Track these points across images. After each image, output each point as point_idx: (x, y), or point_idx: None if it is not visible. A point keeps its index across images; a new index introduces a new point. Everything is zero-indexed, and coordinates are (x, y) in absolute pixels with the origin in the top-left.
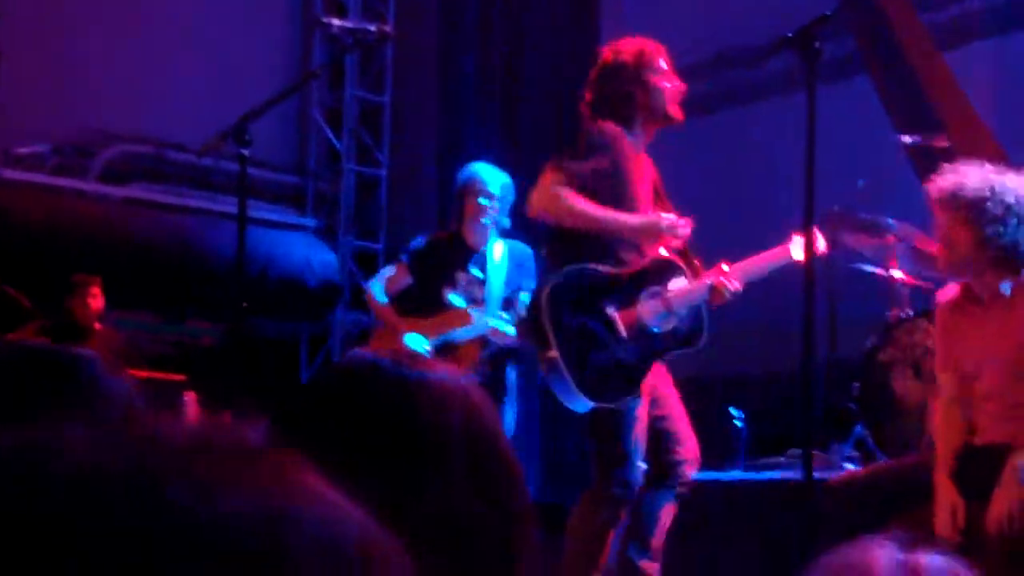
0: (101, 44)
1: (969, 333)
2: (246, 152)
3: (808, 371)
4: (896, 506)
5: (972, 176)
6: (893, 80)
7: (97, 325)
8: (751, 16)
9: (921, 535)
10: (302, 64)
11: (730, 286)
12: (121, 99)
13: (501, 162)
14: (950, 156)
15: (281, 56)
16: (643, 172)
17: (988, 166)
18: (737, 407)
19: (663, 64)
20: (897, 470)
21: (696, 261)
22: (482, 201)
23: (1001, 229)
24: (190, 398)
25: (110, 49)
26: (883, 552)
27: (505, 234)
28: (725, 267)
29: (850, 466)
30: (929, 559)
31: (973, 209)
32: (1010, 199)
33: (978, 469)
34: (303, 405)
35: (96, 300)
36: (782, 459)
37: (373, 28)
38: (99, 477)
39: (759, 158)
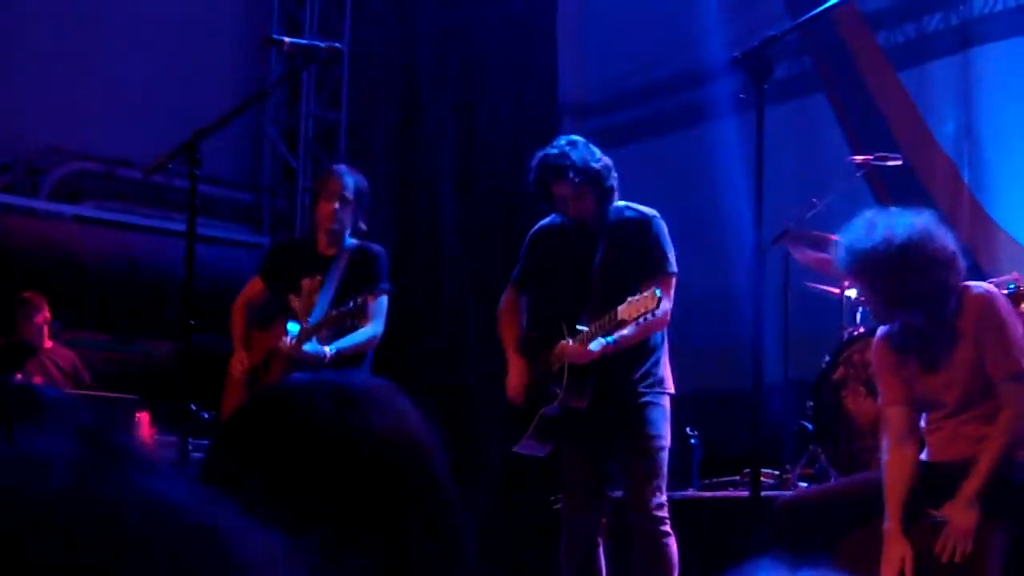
0: (52, 62)
1: (920, 366)
2: (197, 171)
3: (758, 390)
4: (847, 525)
5: (868, 234)
6: (849, 99)
7: (47, 343)
8: (703, 38)
9: (852, 553)
10: (258, 82)
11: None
12: (72, 117)
13: (460, 182)
14: (904, 174)
15: (237, 74)
16: None
17: (875, 212)
18: (693, 427)
19: None
20: (848, 489)
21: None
22: (334, 204)
23: (913, 276)
24: (142, 417)
25: (62, 66)
26: (801, 572)
27: (365, 237)
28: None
29: (803, 484)
30: None
31: (882, 268)
32: (906, 245)
33: (930, 487)
34: (237, 430)
35: (43, 318)
36: (736, 478)
37: (324, 46)
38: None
39: (712, 178)
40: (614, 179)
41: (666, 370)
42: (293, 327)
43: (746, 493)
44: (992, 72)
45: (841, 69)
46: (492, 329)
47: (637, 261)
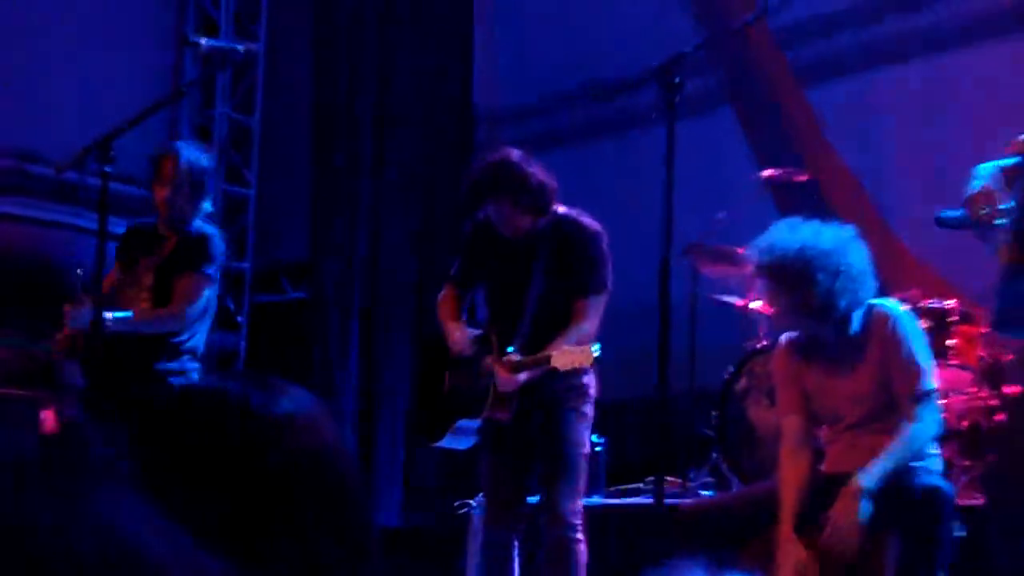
0: None
1: (822, 377)
2: (110, 168)
3: (664, 399)
4: (747, 532)
5: (782, 242)
6: (757, 115)
7: None
8: (621, 49)
9: (752, 559)
10: (173, 82)
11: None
12: None
13: (369, 187)
14: (809, 190)
15: (152, 73)
16: None
17: (796, 222)
18: (601, 434)
19: None
20: (749, 497)
21: None
22: (166, 191)
23: (822, 287)
24: (47, 414)
25: None
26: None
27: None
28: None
29: (705, 492)
30: None
31: (791, 276)
32: (820, 255)
33: (827, 496)
34: (150, 428)
35: None
36: (641, 485)
37: (241, 48)
38: None
39: (622, 190)
40: (552, 193)
41: (590, 377)
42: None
43: (650, 500)
44: (893, 92)
45: (749, 85)
46: (401, 329)
47: (573, 279)
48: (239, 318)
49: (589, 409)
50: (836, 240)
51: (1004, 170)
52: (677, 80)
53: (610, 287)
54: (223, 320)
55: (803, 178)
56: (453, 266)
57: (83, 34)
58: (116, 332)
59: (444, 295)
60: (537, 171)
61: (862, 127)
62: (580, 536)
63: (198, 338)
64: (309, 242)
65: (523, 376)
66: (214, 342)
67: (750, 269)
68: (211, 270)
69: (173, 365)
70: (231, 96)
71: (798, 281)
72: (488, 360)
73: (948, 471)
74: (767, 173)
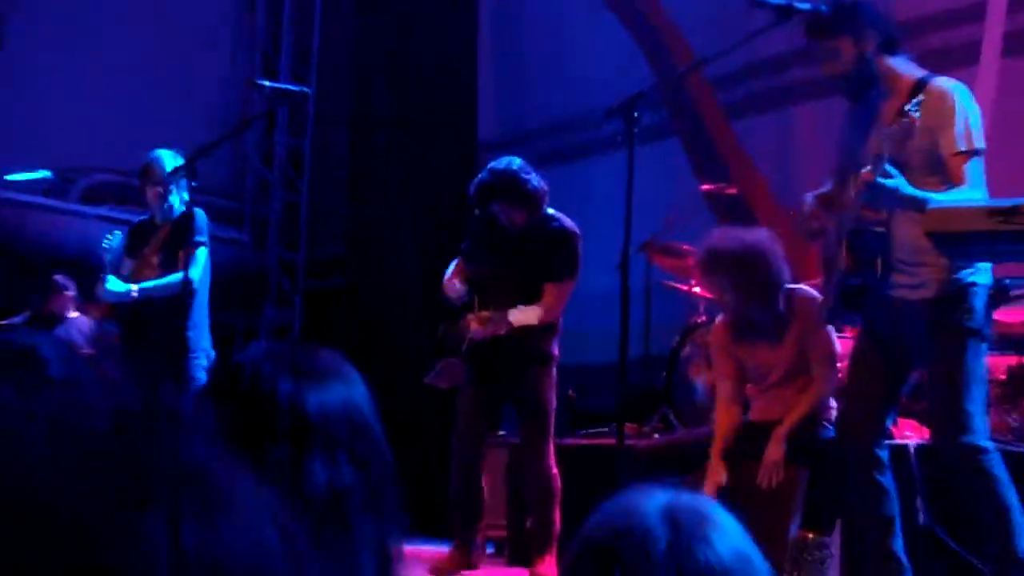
0: (86, 94)
1: (752, 347)
2: (194, 182)
3: (624, 363)
4: (688, 465)
5: (727, 242)
6: (696, 142)
7: (72, 313)
8: (596, 88)
9: (692, 486)
10: (241, 112)
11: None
12: (97, 138)
13: (392, 199)
14: (736, 199)
15: (226, 107)
16: None
17: (728, 227)
18: (575, 390)
19: None
20: (690, 439)
21: None
22: (157, 188)
23: (761, 274)
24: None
25: (90, 98)
26: (650, 497)
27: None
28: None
29: (656, 436)
30: (686, 499)
31: (728, 264)
32: (752, 248)
33: (753, 439)
34: (214, 390)
35: (69, 295)
36: (606, 429)
37: (295, 90)
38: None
39: (593, 201)
40: (543, 196)
41: (554, 345)
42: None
43: (613, 441)
44: (802, 124)
45: (690, 119)
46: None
47: (549, 267)
48: (295, 298)
49: (552, 371)
50: (761, 238)
51: (818, 197)
52: (636, 114)
53: (577, 277)
54: (280, 300)
55: (732, 191)
56: (463, 244)
57: (171, 79)
58: (143, 298)
59: (454, 265)
60: (532, 178)
61: (777, 150)
62: (555, 471)
63: (202, 295)
64: (345, 240)
65: (490, 328)
66: (273, 318)
67: (692, 261)
68: (201, 238)
69: (189, 322)
70: (287, 126)
71: (738, 265)
72: (468, 315)
73: None
74: (705, 187)
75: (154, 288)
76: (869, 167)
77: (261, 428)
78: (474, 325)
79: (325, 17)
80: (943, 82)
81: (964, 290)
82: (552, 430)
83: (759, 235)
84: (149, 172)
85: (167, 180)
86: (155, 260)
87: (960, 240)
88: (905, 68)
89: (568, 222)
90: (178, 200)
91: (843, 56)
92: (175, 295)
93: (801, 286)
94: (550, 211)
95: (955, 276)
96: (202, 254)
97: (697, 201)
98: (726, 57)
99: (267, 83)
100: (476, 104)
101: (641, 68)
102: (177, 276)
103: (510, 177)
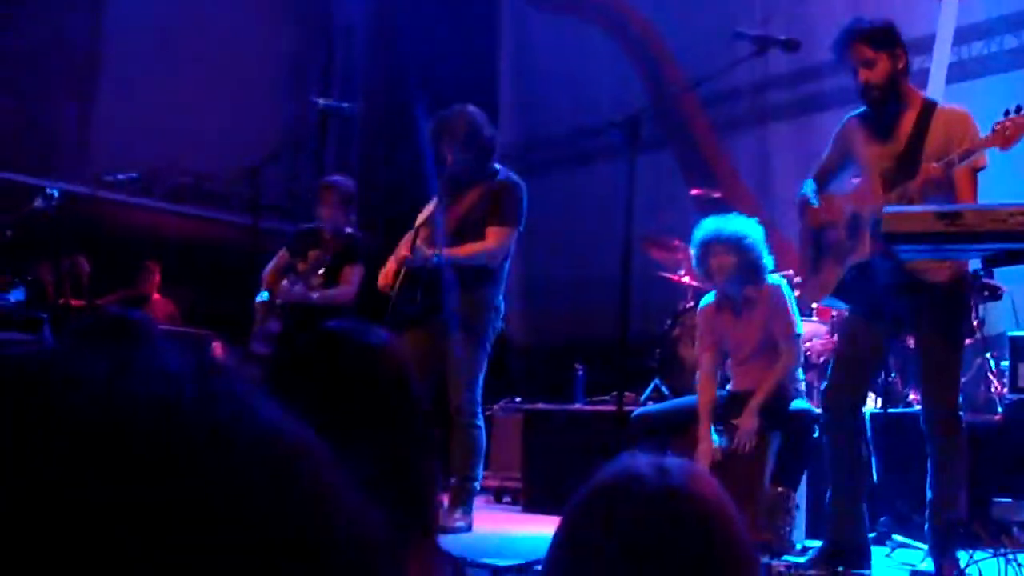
0: (176, 107)
1: (730, 325)
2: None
3: (624, 340)
4: (677, 430)
5: (727, 225)
6: (687, 153)
7: (156, 296)
8: (595, 104)
9: (680, 449)
10: (299, 127)
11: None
12: (176, 146)
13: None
14: (721, 202)
15: (286, 121)
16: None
17: (724, 216)
18: (581, 363)
19: None
20: (678, 407)
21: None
22: (328, 210)
23: (754, 252)
24: (217, 346)
25: (180, 108)
26: (643, 460)
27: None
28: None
29: (650, 404)
30: (675, 462)
31: (734, 245)
32: (742, 234)
33: (732, 407)
34: (287, 363)
35: (155, 278)
36: (607, 398)
37: (346, 106)
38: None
39: (600, 201)
40: (492, 145)
41: (493, 295)
42: None
43: (613, 408)
44: (778, 139)
45: (683, 132)
46: None
47: (490, 211)
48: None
49: (485, 318)
50: (751, 228)
51: (824, 197)
52: (636, 127)
53: (520, 227)
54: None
55: (718, 195)
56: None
57: (237, 95)
58: (297, 303)
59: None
60: (485, 126)
61: (759, 161)
62: (479, 423)
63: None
64: (382, 234)
65: (420, 256)
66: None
67: (682, 255)
68: (359, 263)
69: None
70: (339, 136)
71: (732, 248)
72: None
73: (809, 390)
74: (694, 191)
75: (328, 295)
76: (935, 163)
77: (324, 399)
78: (407, 253)
79: (369, 46)
80: (955, 105)
81: (968, 277)
82: (480, 382)
83: (750, 224)
84: (325, 195)
85: (341, 203)
86: (320, 268)
87: (913, 239)
88: (917, 89)
89: (515, 176)
90: (346, 221)
91: (878, 68)
92: (336, 307)
93: (772, 276)
94: (500, 167)
95: (964, 265)
96: (357, 274)
97: (688, 203)
98: (712, 80)
99: (321, 100)
100: (497, 117)
101: (639, 88)
102: (337, 291)
103: (463, 117)
